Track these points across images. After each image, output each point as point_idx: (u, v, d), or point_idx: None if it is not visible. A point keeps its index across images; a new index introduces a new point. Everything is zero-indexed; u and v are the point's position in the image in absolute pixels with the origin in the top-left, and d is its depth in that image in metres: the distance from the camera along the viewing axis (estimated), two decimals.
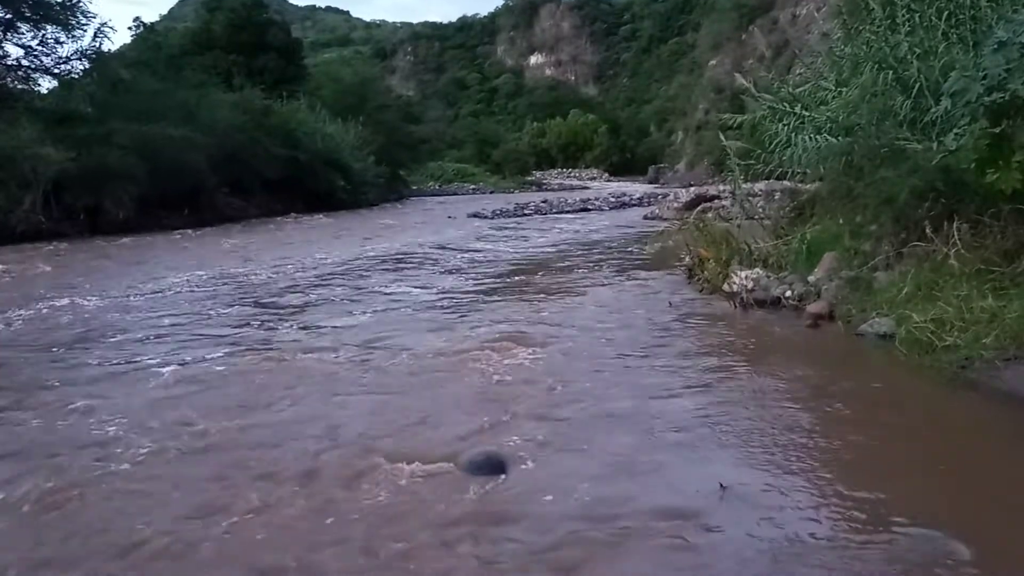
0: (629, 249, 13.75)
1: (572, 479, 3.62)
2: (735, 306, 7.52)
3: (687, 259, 9.40)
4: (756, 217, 9.77)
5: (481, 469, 3.67)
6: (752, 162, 8.77)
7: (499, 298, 8.85)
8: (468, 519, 3.25)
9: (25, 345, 6.95)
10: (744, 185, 9.69)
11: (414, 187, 45.58)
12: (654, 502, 3.35)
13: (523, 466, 3.75)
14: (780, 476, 3.56)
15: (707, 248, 8.88)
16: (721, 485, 3.42)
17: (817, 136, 7.05)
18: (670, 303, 7.94)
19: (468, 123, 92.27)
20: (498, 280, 10.38)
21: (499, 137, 77.49)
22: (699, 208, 15.61)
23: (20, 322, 8.10)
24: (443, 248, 14.92)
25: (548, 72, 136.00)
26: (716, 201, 15.58)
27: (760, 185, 10.00)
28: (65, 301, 9.19)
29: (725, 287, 7.92)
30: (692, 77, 59.48)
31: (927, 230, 6.31)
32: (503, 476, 3.65)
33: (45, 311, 8.68)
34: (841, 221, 7.73)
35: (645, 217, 20.89)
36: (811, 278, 7.31)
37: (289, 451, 4.05)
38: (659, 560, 2.90)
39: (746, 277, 7.71)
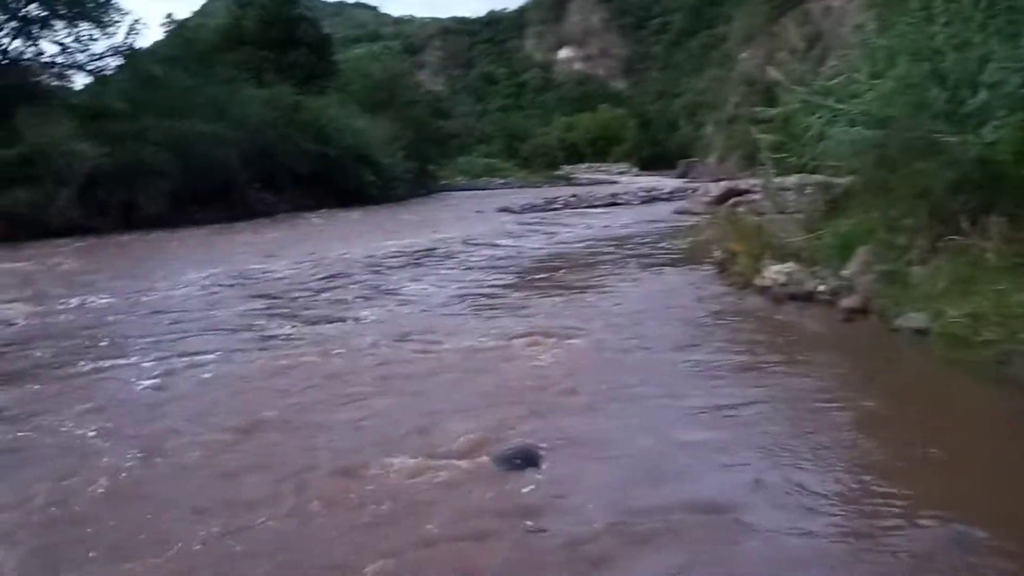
0: (659, 244, 13.66)
1: (605, 473, 3.62)
2: (767, 301, 7.47)
3: (718, 254, 9.33)
4: (788, 211, 9.68)
5: (513, 463, 3.68)
6: (784, 155, 8.68)
7: (527, 294, 8.82)
8: (501, 512, 3.26)
9: (40, 341, 7.07)
10: (776, 179, 9.61)
11: (443, 182, 45.64)
12: (687, 497, 3.33)
13: (555, 460, 3.75)
14: (814, 473, 3.52)
15: (738, 242, 8.81)
16: (756, 480, 3.41)
17: (851, 129, 6.97)
18: (700, 298, 7.91)
19: (497, 118, 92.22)
20: (526, 276, 10.35)
21: (528, 132, 77.30)
22: (730, 202, 15.51)
23: (44, 318, 8.26)
24: (470, 244, 14.88)
25: (577, 66, 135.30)
26: (747, 195, 15.43)
27: (792, 179, 9.89)
28: (79, 299, 9.27)
29: (757, 281, 7.86)
30: (723, 70, 58.73)
31: (963, 224, 6.22)
32: (535, 470, 3.65)
33: (60, 308, 8.81)
34: (875, 215, 7.63)
35: (675, 212, 20.74)
36: (845, 272, 7.23)
37: (316, 448, 4.05)
38: (694, 555, 2.89)
39: (778, 271, 7.65)
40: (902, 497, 3.23)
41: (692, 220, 15.90)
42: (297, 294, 9.29)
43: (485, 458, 3.76)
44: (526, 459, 3.71)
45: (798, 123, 8.08)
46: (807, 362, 5.43)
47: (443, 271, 11.01)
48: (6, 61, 23.74)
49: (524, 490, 3.47)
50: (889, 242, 7.08)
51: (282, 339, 6.76)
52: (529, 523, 3.16)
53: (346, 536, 3.11)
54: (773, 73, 9.08)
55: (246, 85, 29.76)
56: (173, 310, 8.39)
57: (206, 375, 5.62)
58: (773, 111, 8.87)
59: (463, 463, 3.74)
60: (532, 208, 25.24)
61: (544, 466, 3.68)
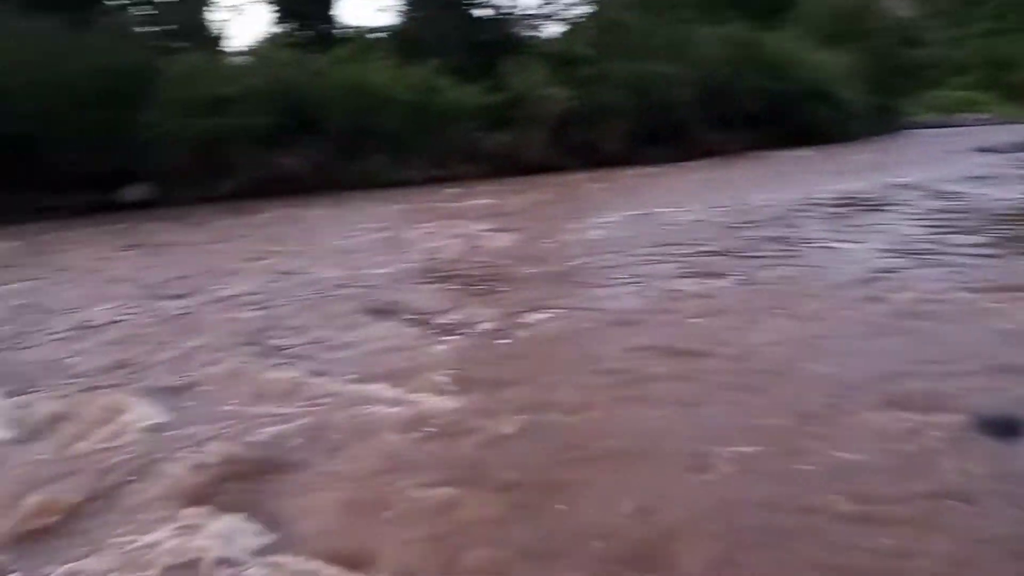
0: None
1: None
2: None
3: None
4: None
5: (995, 428, 3.34)
6: None
7: (992, 250, 7.67)
8: (977, 482, 3.00)
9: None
10: None
11: (910, 118, 41.54)
12: None
13: None
14: None
15: None
16: None
17: None
18: None
19: (977, 45, 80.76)
20: (993, 231, 8.85)
21: (1016, 60, 66.66)
22: None
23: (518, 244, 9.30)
24: (929, 189, 13.00)
25: None
26: None
27: None
28: (527, 233, 10.36)
29: None
30: None
31: None
32: (1019, 440, 3.28)
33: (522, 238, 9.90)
34: None
35: None
36: None
37: (777, 394, 4.03)
38: None
39: None
40: None
41: None
42: (707, 243, 8.80)
43: (961, 416, 3.47)
44: (1010, 425, 3.34)
45: None
46: None
47: (889, 221, 9.77)
48: (495, 16, 26.75)
49: (1006, 460, 3.14)
50: None
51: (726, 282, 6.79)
52: (1011, 499, 2.86)
53: (814, 480, 3.09)
54: None
55: (702, 24, 29.82)
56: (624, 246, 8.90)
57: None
58: None
59: (935, 420, 3.49)
60: (1022, 148, 21.80)
61: None
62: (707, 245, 8.62)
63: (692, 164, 21.82)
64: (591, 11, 27.43)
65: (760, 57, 29.04)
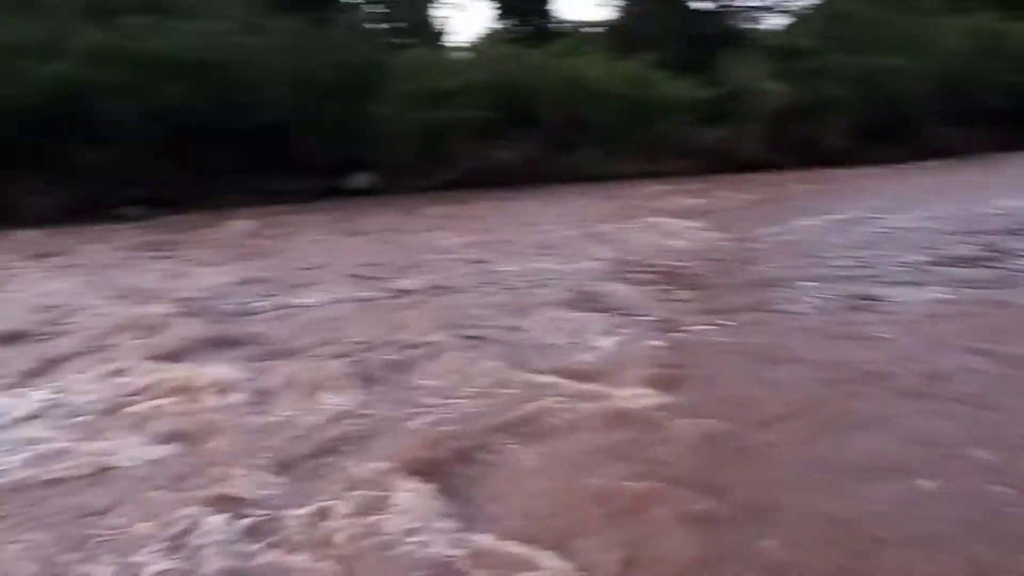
0: None
1: None
2: None
3: None
4: None
5: None
6: None
7: None
8: None
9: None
10: None
11: None
12: None
13: None
14: None
15: None
16: None
17: None
18: None
19: None
20: None
21: None
22: None
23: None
24: None
25: None
26: None
27: None
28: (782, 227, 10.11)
29: None
30: None
31: None
32: None
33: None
34: None
35: None
36: None
37: (976, 422, 3.82)
38: None
39: None
40: None
41: None
42: (915, 253, 8.17)
43: None
44: None
45: None
46: None
47: None
48: (714, 9, 26.19)
49: None
50: None
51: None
52: None
53: None
54: None
55: (942, 15, 27.54)
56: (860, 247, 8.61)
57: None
58: None
59: None
60: None
61: None
62: (915, 255, 8.07)
63: (922, 164, 20.30)
64: (818, 2, 26.20)
65: (1007, 50, 26.45)
